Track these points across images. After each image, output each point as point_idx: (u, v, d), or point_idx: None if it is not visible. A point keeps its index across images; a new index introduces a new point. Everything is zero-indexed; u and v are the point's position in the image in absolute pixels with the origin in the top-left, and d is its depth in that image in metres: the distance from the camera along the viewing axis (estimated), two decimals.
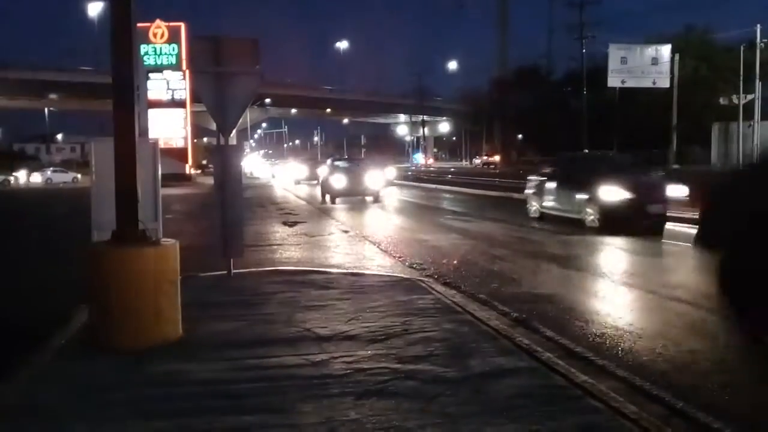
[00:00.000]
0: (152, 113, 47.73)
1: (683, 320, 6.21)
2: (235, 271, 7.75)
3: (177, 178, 40.29)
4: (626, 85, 46.73)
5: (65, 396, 4.19)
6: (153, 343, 5.04)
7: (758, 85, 41.22)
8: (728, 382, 4.49)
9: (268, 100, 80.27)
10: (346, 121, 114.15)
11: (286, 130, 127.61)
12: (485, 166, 70.24)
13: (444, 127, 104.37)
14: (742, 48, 41.39)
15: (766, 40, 41.84)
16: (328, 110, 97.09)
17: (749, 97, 41.82)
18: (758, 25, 41.27)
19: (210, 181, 7.92)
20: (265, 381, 4.33)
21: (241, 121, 8.71)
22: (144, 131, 42.61)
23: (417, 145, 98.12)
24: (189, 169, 49.25)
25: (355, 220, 16.49)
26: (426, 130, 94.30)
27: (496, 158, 71.64)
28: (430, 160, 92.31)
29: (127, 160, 5.26)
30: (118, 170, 5.28)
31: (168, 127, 48.49)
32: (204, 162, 65.86)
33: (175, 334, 5.27)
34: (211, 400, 4.03)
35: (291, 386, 4.22)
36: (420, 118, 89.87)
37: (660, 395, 4.20)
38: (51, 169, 62.87)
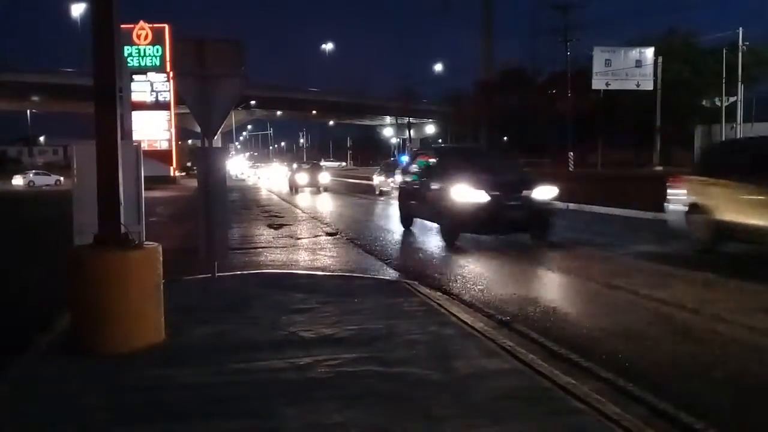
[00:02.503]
0: (136, 115, 47.52)
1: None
2: (219, 274, 7.70)
3: (161, 181, 40.10)
4: (611, 87, 47.15)
5: (46, 401, 4.14)
6: (136, 347, 5.00)
7: (740, 87, 41.77)
8: (709, 382, 4.53)
9: (253, 102, 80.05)
10: (331, 123, 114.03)
11: (271, 132, 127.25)
12: None
13: (430, 129, 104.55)
14: (724, 51, 41.87)
15: (748, 43, 42.42)
16: (314, 112, 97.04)
17: (732, 99, 42.37)
18: (740, 28, 41.84)
19: (194, 183, 7.87)
20: (250, 385, 4.31)
21: (225, 123, 8.67)
22: (127, 133, 42.37)
23: (403, 147, 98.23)
24: (173, 171, 49.01)
25: (341, 222, 16.47)
26: (412, 132, 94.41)
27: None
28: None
29: (109, 163, 5.22)
30: (100, 173, 5.24)
31: (152, 129, 48.31)
32: (188, 164, 65.48)
33: (158, 338, 5.23)
34: (195, 405, 4.00)
35: (275, 390, 4.20)
36: (406, 120, 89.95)
37: (642, 396, 4.23)
38: (33, 171, 62.17)
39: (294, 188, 32.80)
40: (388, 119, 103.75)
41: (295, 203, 25.12)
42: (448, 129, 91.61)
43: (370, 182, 34.25)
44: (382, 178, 29.89)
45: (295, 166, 36.93)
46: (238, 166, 75.40)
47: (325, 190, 32.52)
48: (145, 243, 5.60)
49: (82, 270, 5.09)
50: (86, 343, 5.01)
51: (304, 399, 4.04)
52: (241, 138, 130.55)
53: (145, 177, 7.11)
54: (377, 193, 29.67)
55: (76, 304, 5.09)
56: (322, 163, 73.02)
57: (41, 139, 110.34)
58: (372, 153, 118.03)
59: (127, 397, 4.19)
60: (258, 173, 60.60)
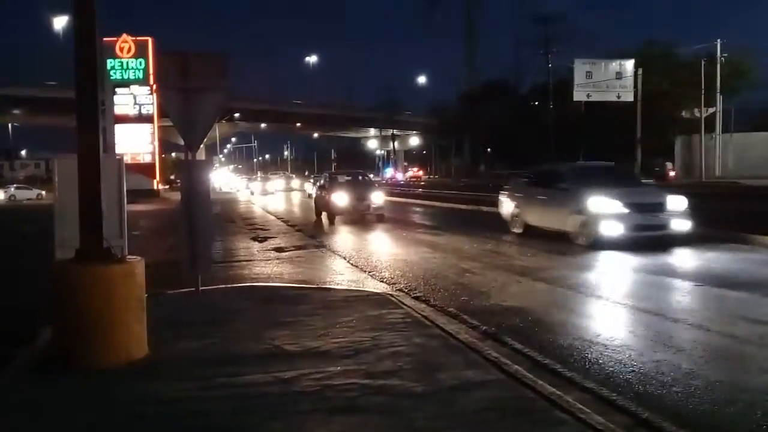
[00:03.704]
0: (119, 128, 47.28)
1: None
2: (203, 287, 7.66)
3: (144, 194, 39.81)
4: (591, 99, 47.69)
5: (27, 416, 4.09)
6: (119, 362, 4.96)
7: (719, 98, 42.40)
8: (693, 392, 4.56)
9: (237, 115, 79.89)
10: (316, 135, 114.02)
11: (255, 144, 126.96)
12: (411, 180, 78.56)
13: (414, 141, 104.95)
14: (703, 62, 42.51)
15: (726, 55, 43.11)
16: (298, 125, 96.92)
17: (711, 110, 43.00)
18: (718, 40, 42.54)
19: (178, 196, 7.84)
20: (234, 399, 4.28)
21: (209, 135, 8.65)
22: (110, 147, 42.14)
23: (387, 159, 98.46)
24: (157, 184, 48.69)
25: (327, 235, 16.44)
26: (396, 144, 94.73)
27: (420, 173, 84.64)
28: (418, 173, 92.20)
29: (91, 176, 5.19)
30: (81, 187, 5.21)
31: (135, 143, 48.05)
32: (172, 177, 65.12)
33: (141, 352, 5.19)
34: (178, 420, 3.97)
35: (260, 404, 4.18)
36: (390, 132, 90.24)
37: (626, 405, 4.26)
38: (15, 185, 61.50)
39: (328, 214, 20.08)
40: (372, 131, 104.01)
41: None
42: (431, 141, 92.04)
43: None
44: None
45: (325, 178, 22.54)
46: (226, 178, 73.92)
47: (380, 218, 19.37)
48: (128, 257, 5.57)
49: (63, 284, 5.05)
50: (68, 357, 4.96)
51: (288, 413, 4.02)
52: (225, 151, 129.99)
53: (127, 190, 7.09)
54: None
55: (57, 319, 5.04)
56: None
57: (23, 152, 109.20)
58: (357, 165, 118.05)
59: (108, 412, 4.14)
60: (252, 187, 53.35)
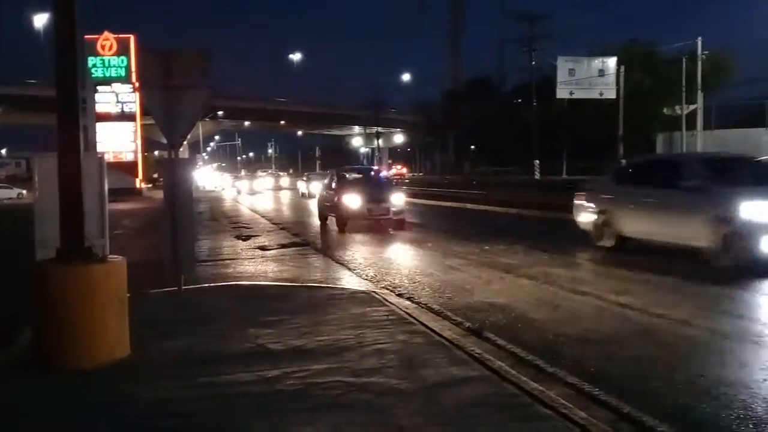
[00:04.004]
0: (101, 127, 46.83)
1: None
2: (186, 287, 7.61)
3: (127, 193, 39.45)
4: (574, 96, 47.93)
5: (7, 417, 4.05)
6: (100, 362, 4.92)
7: (700, 95, 42.79)
8: (674, 385, 4.62)
9: (220, 113, 79.41)
10: (300, 133, 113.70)
11: (239, 142, 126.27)
12: (395, 177, 75.32)
13: (398, 138, 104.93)
14: (684, 60, 42.88)
15: (707, 52, 43.51)
16: (282, 122, 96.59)
17: (692, 107, 43.38)
18: (699, 38, 42.91)
19: (161, 195, 7.79)
20: (217, 399, 4.27)
21: (193, 133, 8.59)
22: (92, 145, 41.71)
23: (372, 156, 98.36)
24: (139, 183, 48.29)
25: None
26: (380, 141, 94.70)
27: (404, 170, 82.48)
28: (402, 170, 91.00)
29: (72, 175, 5.14)
30: (62, 186, 5.15)
31: (117, 141, 47.63)
32: (155, 176, 64.57)
33: (123, 352, 5.15)
34: (160, 421, 3.95)
35: (244, 403, 4.17)
36: (374, 129, 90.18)
37: (608, 400, 4.30)
38: None
39: (337, 220, 16.52)
40: (357, 129, 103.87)
41: None
42: (416, 139, 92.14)
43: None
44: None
45: (333, 176, 18.61)
46: (210, 177, 70.63)
47: (401, 224, 16.31)
48: (109, 256, 5.52)
49: (44, 284, 5.00)
50: (49, 358, 4.91)
51: (272, 412, 4.02)
52: (209, 149, 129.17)
53: (109, 189, 7.03)
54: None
55: (38, 319, 5.00)
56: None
57: (3, 151, 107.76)
58: (342, 162, 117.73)
59: (89, 413, 4.11)
60: (239, 186, 49.61)
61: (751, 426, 3.89)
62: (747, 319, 6.53)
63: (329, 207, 17.31)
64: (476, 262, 10.60)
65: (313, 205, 24.29)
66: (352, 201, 16.03)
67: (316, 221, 18.75)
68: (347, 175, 18.90)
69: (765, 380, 4.67)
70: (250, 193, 45.76)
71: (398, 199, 16.59)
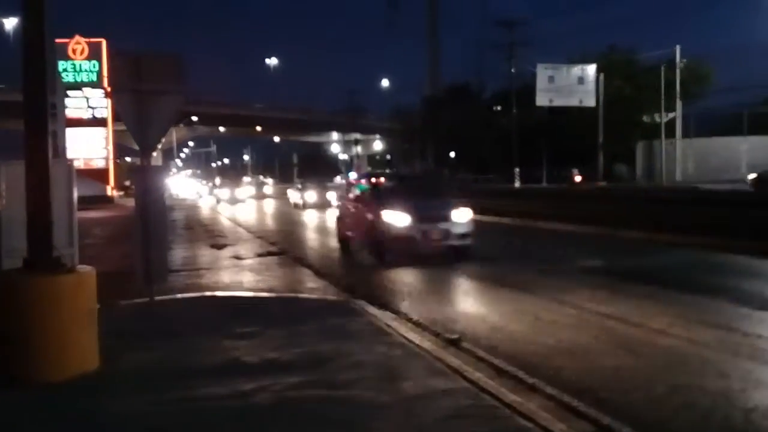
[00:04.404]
0: (71, 132, 46.02)
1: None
2: (158, 297, 7.44)
3: (97, 201, 38.75)
4: (554, 103, 48.23)
5: None
6: (68, 375, 4.79)
7: (679, 104, 43.45)
8: (652, 396, 4.60)
9: (195, 118, 78.71)
10: (277, 139, 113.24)
11: (214, 149, 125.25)
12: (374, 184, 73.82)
13: (377, 145, 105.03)
14: (663, 68, 43.42)
15: (686, 60, 44.19)
16: (259, 129, 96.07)
17: (671, 115, 44.00)
18: (677, 46, 43.60)
19: (133, 203, 7.62)
20: (190, 413, 4.15)
21: (166, 140, 8.47)
22: (61, 151, 40.97)
23: (352, 163, 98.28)
24: (111, 190, 47.55)
25: (287, 242, 16.25)
26: (359, 148, 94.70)
27: (383, 178, 79.40)
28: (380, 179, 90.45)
29: (40, 183, 5.01)
30: (29, 194, 5.02)
31: (88, 147, 46.87)
32: (127, 183, 63.72)
33: (92, 365, 5.00)
34: None
35: (217, 418, 4.05)
36: (353, 136, 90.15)
37: (587, 412, 4.25)
38: None
39: (371, 247, 12.06)
40: (335, 135, 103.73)
41: None
42: (395, 145, 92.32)
43: None
44: None
45: (364, 182, 14.92)
46: (185, 184, 66.68)
47: (462, 252, 11.54)
48: (78, 266, 5.39)
49: (10, 295, 4.88)
50: (15, 371, 4.78)
51: (247, 427, 3.90)
52: (183, 155, 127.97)
53: (79, 197, 6.88)
54: None
55: (3, 331, 4.83)
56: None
57: None
58: (320, 170, 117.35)
59: (55, 428, 3.97)
60: (219, 194, 44.08)
61: None
62: None
63: (357, 226, 12.68)
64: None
65: (309, 219, 23.53)
66: (397, 220, 11.24)
67: (323, 240, 15.54)
68: (386, 181, 14.22)
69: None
70: (230, 202, 40.35)
71: (462, 217, 11.54)
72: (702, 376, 4.99)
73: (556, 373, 5.08)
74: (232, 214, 28.79)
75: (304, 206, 30.99)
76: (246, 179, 57.35)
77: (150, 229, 7.11)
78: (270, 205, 37.58)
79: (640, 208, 18.92)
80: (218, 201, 41.74)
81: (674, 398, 4.53)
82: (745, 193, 24.76)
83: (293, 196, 34.90)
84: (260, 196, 46.77)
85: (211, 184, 61.91)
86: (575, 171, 44.96)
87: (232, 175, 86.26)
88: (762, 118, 42.90)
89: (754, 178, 28.08)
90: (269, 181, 62.09)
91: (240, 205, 38.31)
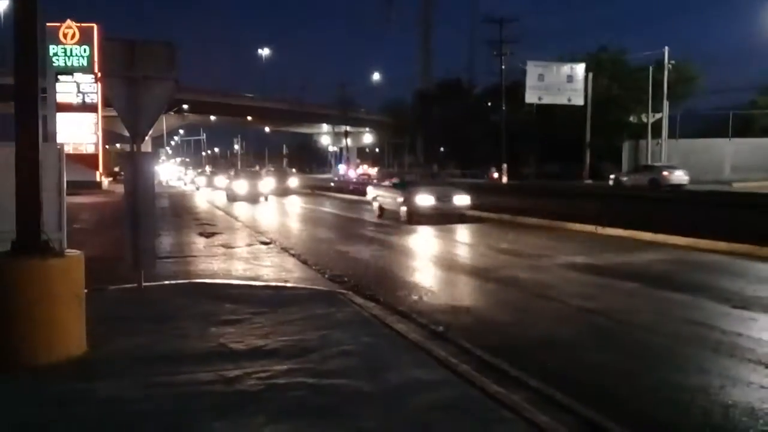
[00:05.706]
0: (61, 117, 45.61)
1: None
2: (146, 283, 7.45)
3: (86, 186, 38.48)
4: (543, 101, 48.36)
5: None
6: (55, 359, 4.79)
7: (666, 105, 43.71)
8: (635, 388, 4.68)
9: (185, 107, 78.21)
10: (267, 130, 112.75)
11: (204, 137, 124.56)
12: (361, 177, 73.29)
13: (367, 138, 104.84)
14: (651, 69, 43.70)
15: (674, 62, 44.45)
16: (249, 118, 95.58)
17: (658, 115, 44.28)
18: (666, 47, 43.83)
19: (122, 189, 7.61)
20: (174, 399, 4.16)
21: (156, 127, 8.43)
22: (51, 136, 40.59)
23: (341, 155, 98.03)
24: (100, 176, 47.21)
25: (275, 231, 16.23)
26: (349, 140, 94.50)
27: (371, 171, 79.72)
28: (368, 171, 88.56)
29: (29, 166, 4.99)
30: (19, 177, 5.00)
31: (78, 132, 46.46)
32: (116, 169, 63.25)
33: (79, 350, 5.01)
34: (113, 420, 3.84)
35: (202, 404, 4.07)
36: (343, 128, 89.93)
37: (570, 404, 4.32)
38: None
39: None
40: (325, 127, 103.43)
41: None
42: (385, 139, 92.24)
43: None
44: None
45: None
46: (176, 171, 64.13)
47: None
48: (67, 251, 5.37)
49: None
50: (3, 354, 4.75)
51: (232, 413, 3.94)
52: (173, 143, 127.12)
53: (69, 182, 6.86)
54: None
55: None
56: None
57: None
58: (309, 161, 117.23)
59: (42, 412, 3.98)
60: (236, 188, 29.67)
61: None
62: None
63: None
64: None
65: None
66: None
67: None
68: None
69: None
70: (251, 200, 28.58)
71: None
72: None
73: (540, 365, 5.15)
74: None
75: (234, 198, 27.32)
76: (267, 171, 43.10)
77: (139, 216, 7.12)
78: (315, 211, 24.25)
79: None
80: (231, 199, 29.35)
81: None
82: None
83: (388, 196, 20.50)
84: (282, 191, 34.55)
85: (200, 170, 58.58)
86: (493, 169, 46.88)
87: (227, 165, 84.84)
88: (746, 120, 43.32)
89: None
90: (293, 172, 48.26)
91: (263, 206, 26.46)
